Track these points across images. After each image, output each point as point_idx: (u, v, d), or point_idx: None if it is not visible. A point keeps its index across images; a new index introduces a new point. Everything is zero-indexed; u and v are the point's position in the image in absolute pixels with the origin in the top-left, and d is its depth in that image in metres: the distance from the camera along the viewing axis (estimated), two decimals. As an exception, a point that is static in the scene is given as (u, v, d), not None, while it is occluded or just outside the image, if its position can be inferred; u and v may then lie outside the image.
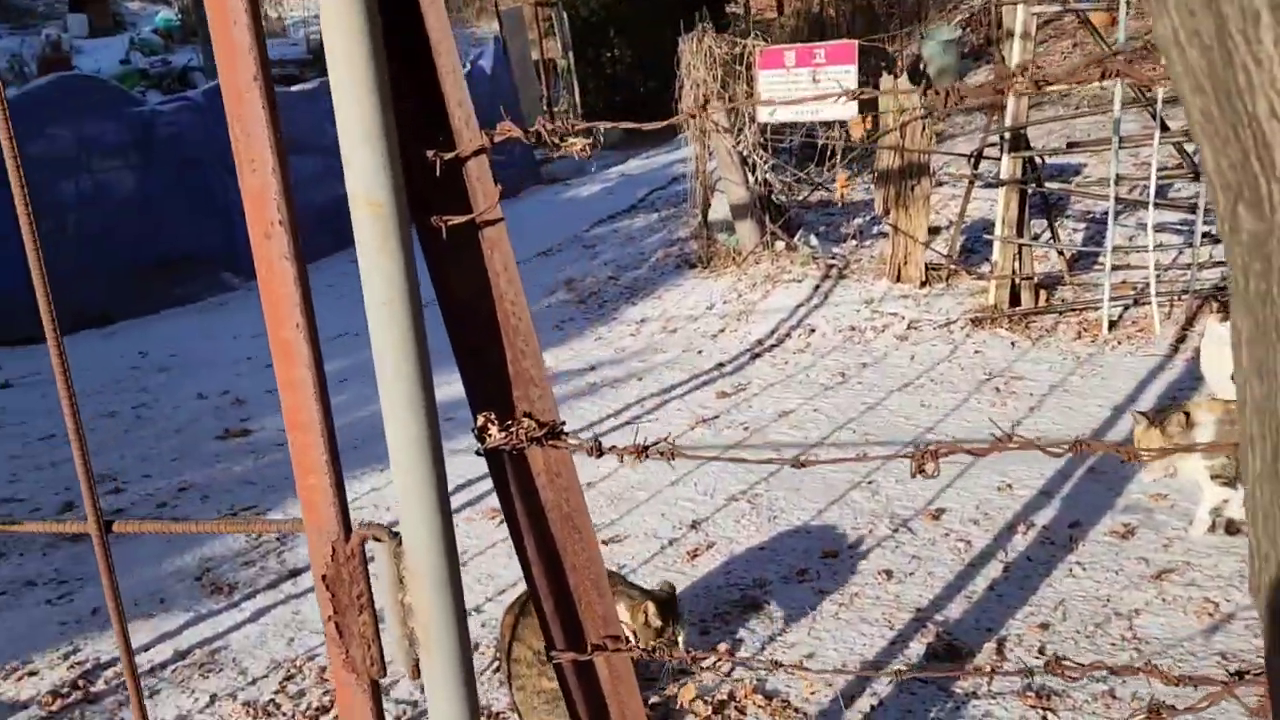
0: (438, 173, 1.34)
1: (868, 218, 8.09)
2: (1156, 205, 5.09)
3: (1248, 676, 1.26)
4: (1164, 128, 4.99)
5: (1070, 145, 5.90)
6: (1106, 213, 5.36)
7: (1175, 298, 5.22)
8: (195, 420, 5.83)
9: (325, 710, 2.86)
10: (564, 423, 1.49)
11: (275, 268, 1.34)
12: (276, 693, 2.96)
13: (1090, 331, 5.32)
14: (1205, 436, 3.09)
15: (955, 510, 3.64)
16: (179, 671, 3.13)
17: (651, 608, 2.48)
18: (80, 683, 3.10)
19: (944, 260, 6.26)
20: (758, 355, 5.91)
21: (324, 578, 1.46)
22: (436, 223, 1.35)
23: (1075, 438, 1.36)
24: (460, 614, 1.46)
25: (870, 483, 3.95)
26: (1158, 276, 5.14)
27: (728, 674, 2.80)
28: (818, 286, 6.71)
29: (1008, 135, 5.48)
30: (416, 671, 1.49)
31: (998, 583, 3.12)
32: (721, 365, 5.81)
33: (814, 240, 7.61)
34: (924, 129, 6.02)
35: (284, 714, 2.86)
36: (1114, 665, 1.95)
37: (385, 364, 1.35)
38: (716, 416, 4.95)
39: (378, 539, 1.44)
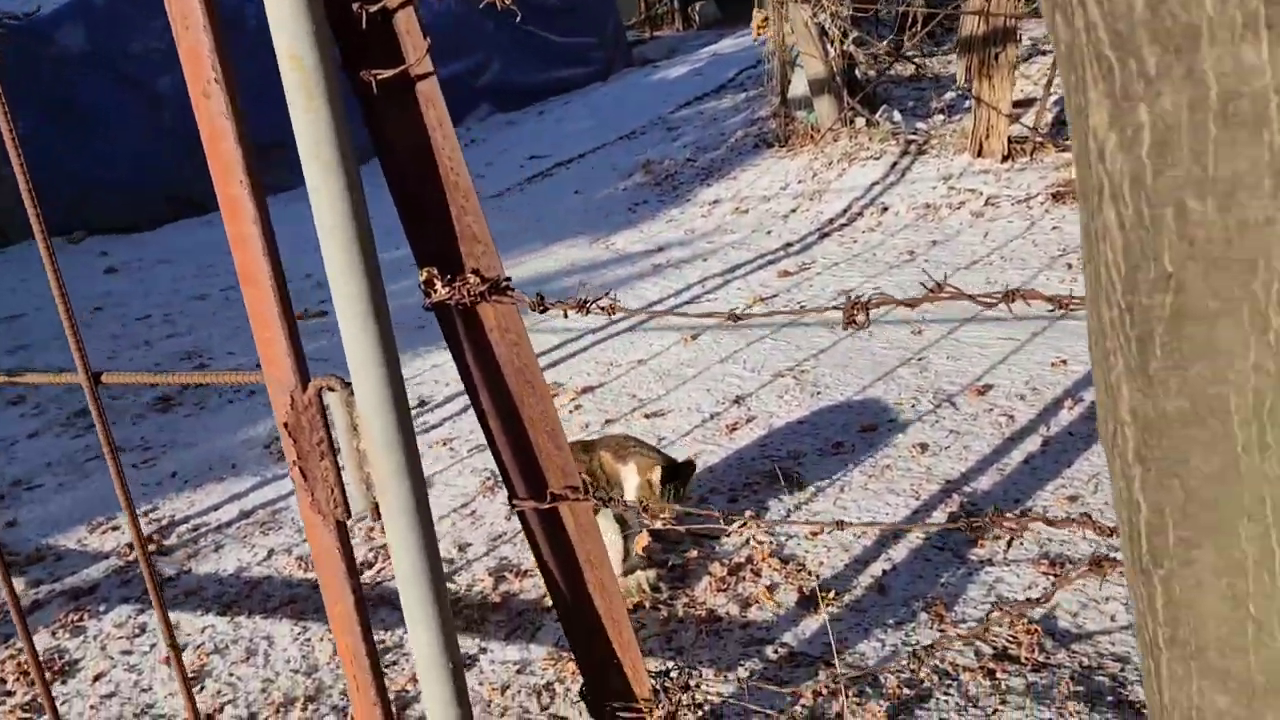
0: (364, 25, 1.35)
1: (958, 91, 7.72)
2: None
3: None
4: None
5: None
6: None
7: None
8: (279, 302, 6.09)
9: (370, 565, 3.05)
10: (509, 278, 1.52)
11: (216, 125, 1.38)
12: (328, 549, 3.16)
13: (1179, 204, 5.02)
14: None
15: (1003, 386, 3.56)
16: (242, 529, 3.37)
17: (659, 473, 2.53)
18: (155, 537, 3.37)
19: (1030, 133, 5.96)
20: (826, 234, 5.79)
21: (285, 425, 1.55)
22: (366, 77, 1.37)
23: (1009, 288, 1.32)
24: (412, 458, 1.53)
25: (920, 359, 3.89)
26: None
27: (746, 541, 2.86)
28: (895, 163, 6.49)
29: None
30: (377, 512, 1.58)
31: (1034, 456, 3.07)
32: (789, 245, 5.73)
33: (896, 116, 7.32)
34: (1010, -10, 5.65)
35: (333, 568, 3.06)
36: (1054, 519, 1.92)
37: (322, 220, 1.39)
38: (775, 295, 4.91)
39: (331, 389, 1.51)
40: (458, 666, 1.65)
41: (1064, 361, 3.66)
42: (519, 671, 2.46)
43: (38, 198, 1.38)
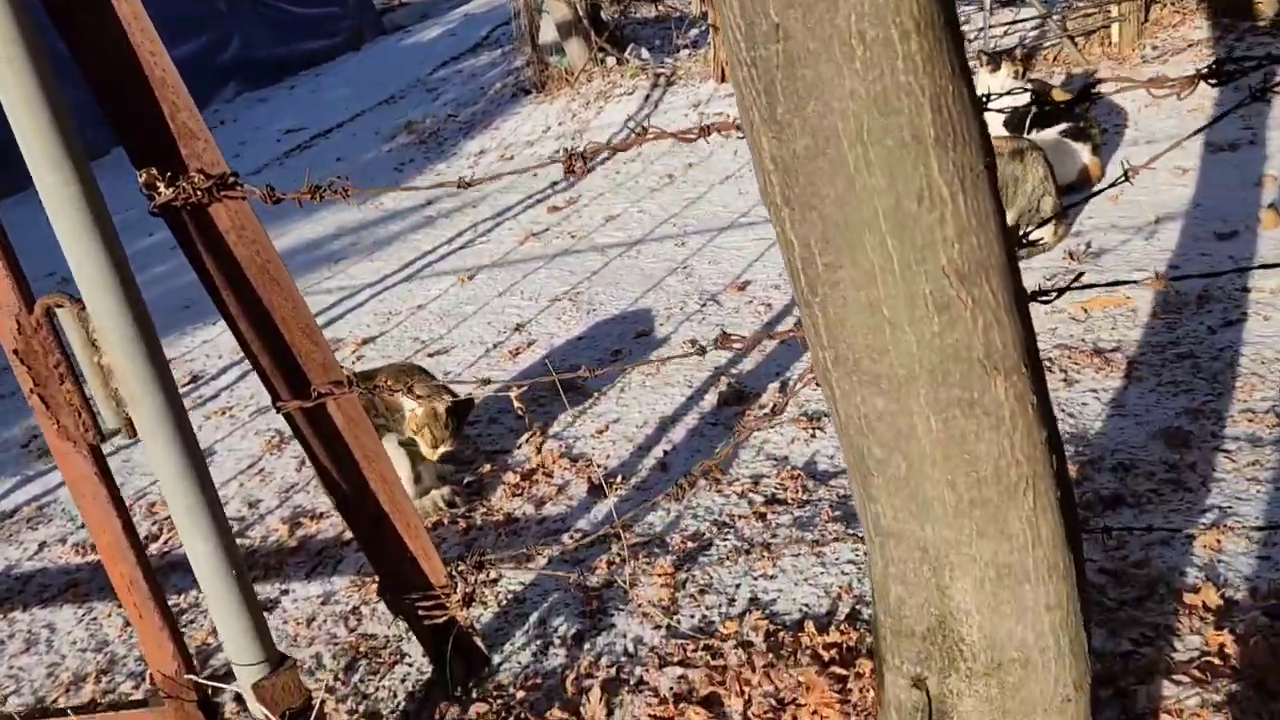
0: (32, -84, 1.30)
1: (702, 27, 8.01)
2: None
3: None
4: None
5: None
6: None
7: (973, 58, 5.36)
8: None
9: (155, 538, 2.94)
10: (235, 174, 1.52)
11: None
12: (106, 530, 3.02)
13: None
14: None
15: (760, 280, 3.81)
16: (6, 528, 3.16)
17: (441, 409, 2.59)
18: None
19: (765, 54, 6.27)
20: (590, 170, 5.92)
21: (15, 353, 1.50)
22: (43, -29, 1.33)
23: (702, 123, 1.44)
24: (160, 364, 1.51)
25: (685, 268, 4.09)
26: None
27: (539, 449, 2.96)
28: (648, 96, 6.69)
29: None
30: (132, 429, 1.55)
31: (788, 337, 3.31)
32: (555, 184, 5.82)
33: (645, 53, 7.53)
34: (731, -82, 5.91)
35: (115, 547, 2.93)
36: (773, 334, 2.08)
37: (20, 121, 1.34)
38: (546, 229, 5.00)
39: (60, 305, 1.48)
40: (241, 572, 1.66)
41: (813, 251, 3.94)
42: (323, 603, 2.46)
43: None
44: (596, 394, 3.22)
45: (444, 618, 1.93)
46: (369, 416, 2.61)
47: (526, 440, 3.01)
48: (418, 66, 10.79)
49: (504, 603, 2.25)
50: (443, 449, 2.62)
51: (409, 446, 2.69)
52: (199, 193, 1.48)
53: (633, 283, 4.07)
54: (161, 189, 1.46)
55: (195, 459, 1.57)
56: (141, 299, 1.48)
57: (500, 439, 3.08)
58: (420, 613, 1.92)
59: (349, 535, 2.72)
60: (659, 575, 2.20)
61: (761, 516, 2.35)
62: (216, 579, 1.63)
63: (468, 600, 1.94)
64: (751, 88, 0.90)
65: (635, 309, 3.82)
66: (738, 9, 0.86)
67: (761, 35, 0.86)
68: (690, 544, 2.31)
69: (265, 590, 2.56)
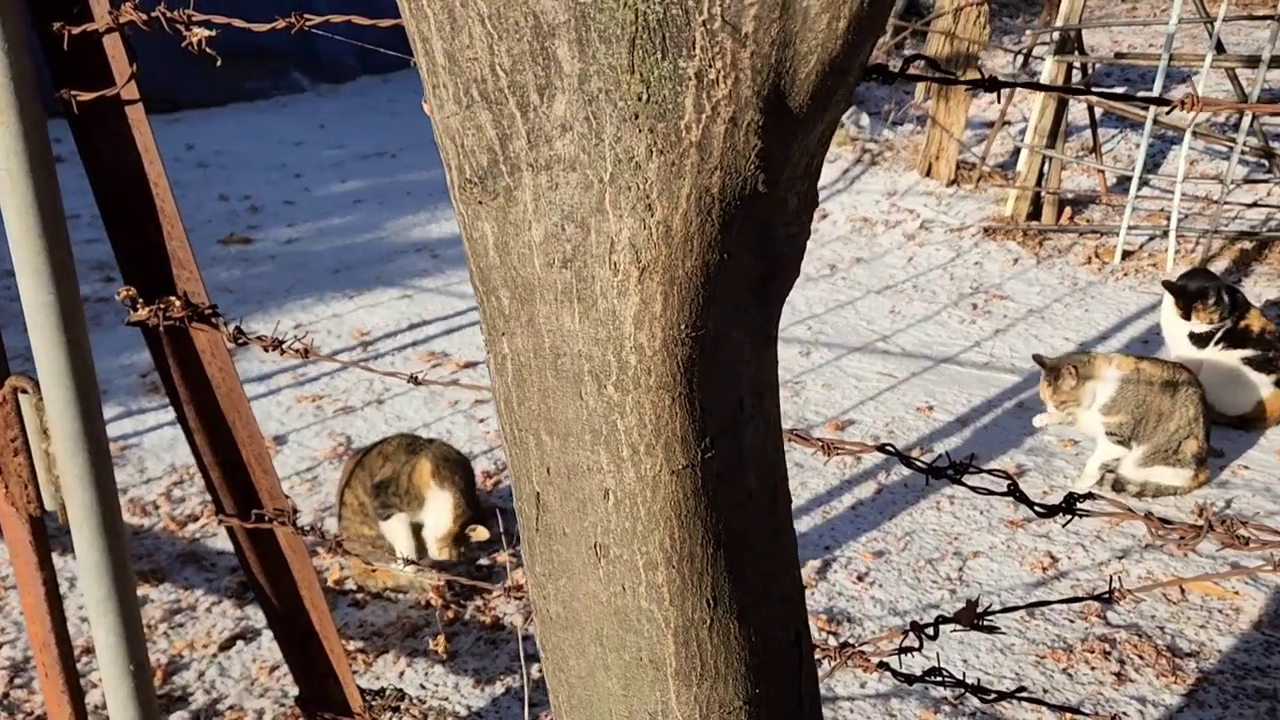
0: (65, 47, 1.33)
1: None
2: (1197, 134, 4.69)
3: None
4: (1219, 49, 4.53)
5: (1118, 56, 5.41)
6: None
7: (1201, 236, 4.86)
8: (208, 221, 6.04)
9: (195, 519, 3.07)
10: (214, 306, 1.52)
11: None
12: (161, 495, 3.19)
13: (1102, 258, 5.03)
14: (1103, 393, 2.96)
15: (864, 424, 3.59)
16: (85, 461, 3.39)
17: (481, 532, 2.60)
18: None
19: (977, 160, 5.92)
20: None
21: (-20, 416, 1.55)
22: (65, 96, 1.35)
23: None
24: (100, 467, 1.53)
25: (797, 382, 3.91)
26: (1184, 214, 4.80)
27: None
28: (846, 170, 6.45)
29: (1056, 35, 5.05)
30: (65, 513, 1.59)
31: (863, 504, 3.10)
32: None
33: (864, 119, 7.25)
34: (978, 16, 5.58)
35: (160, 514, 3.09)
36: None
37: (12, 230, 1.38)
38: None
39: (25, 390, 1.52)
40: (141, 667, 1.68)
41: (930, 408, 3.68)
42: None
43: None
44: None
45: (351, 746, 1.90)
46: (386, 492, 2.62)
47: (554, 536, 2.95)
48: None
49: (440, 727, 2.21)
50: (446, 556, 2.63)
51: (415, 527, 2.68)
52: (177, 318, 1.48)
53: (739, 383, 3.93)
54: (140, 308, 1.47)
55: (117, 556, 1.59)
56: (97, 405, 1.51)
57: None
58: (329, 734, 1.91)
59: (350, 585, 2.75)
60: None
61: None
62: (115, 670, 1.65)
63: (376, 737, 1.91)
64: (520, 527, 0.79)
65: (727, 415, 3.68)
66: (509, 454, 0.75)
67: (523, 493, 0.75)
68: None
69: (257, 616, 2.62)
